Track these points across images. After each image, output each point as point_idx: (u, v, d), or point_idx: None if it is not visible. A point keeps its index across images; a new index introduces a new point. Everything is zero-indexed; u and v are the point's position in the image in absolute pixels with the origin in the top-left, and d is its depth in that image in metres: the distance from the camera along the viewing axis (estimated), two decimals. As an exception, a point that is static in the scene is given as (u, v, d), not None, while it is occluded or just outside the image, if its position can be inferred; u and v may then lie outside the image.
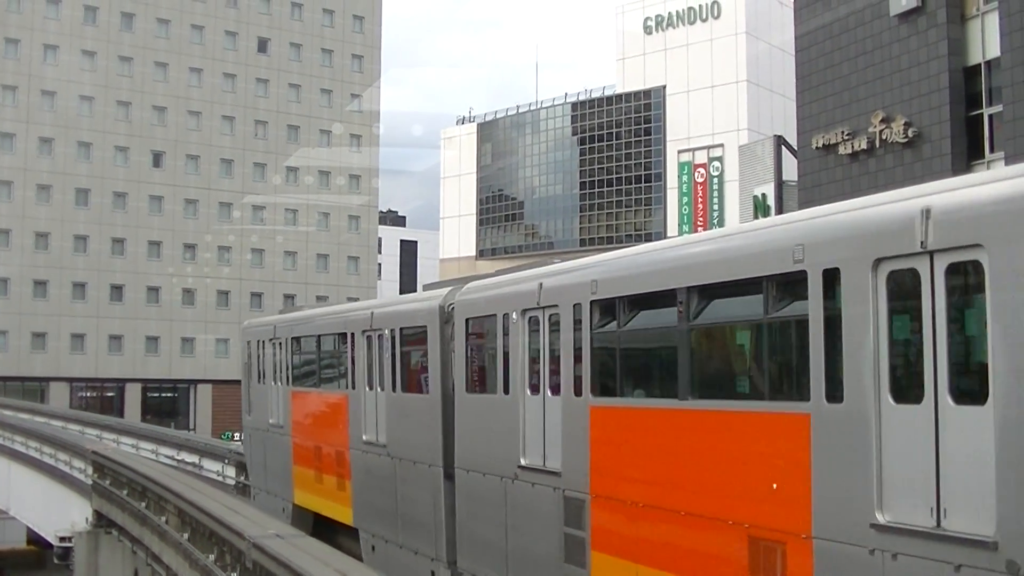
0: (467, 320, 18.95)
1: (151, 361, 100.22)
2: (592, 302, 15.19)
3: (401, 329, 21.50)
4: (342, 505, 24.81)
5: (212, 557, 22.01)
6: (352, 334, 23.86)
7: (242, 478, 38.54)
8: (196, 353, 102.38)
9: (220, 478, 41.08)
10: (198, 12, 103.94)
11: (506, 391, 17.53)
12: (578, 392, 15.50)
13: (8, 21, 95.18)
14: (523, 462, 16.93)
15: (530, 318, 17.00)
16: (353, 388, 23.82)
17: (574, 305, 15.61)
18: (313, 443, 26.86)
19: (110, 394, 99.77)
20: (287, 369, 28.36)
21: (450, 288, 20.37)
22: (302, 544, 18.53)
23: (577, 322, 15.54)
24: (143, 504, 29.43)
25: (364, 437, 23.16)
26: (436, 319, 19.91)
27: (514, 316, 17.28)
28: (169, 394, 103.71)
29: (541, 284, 16.65)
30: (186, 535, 24.52)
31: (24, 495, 49.64)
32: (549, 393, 16.46)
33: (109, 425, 60.02)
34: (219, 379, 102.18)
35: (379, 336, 22.32)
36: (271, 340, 29.43)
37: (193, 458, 45.31)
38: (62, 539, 40.51)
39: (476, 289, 19.42)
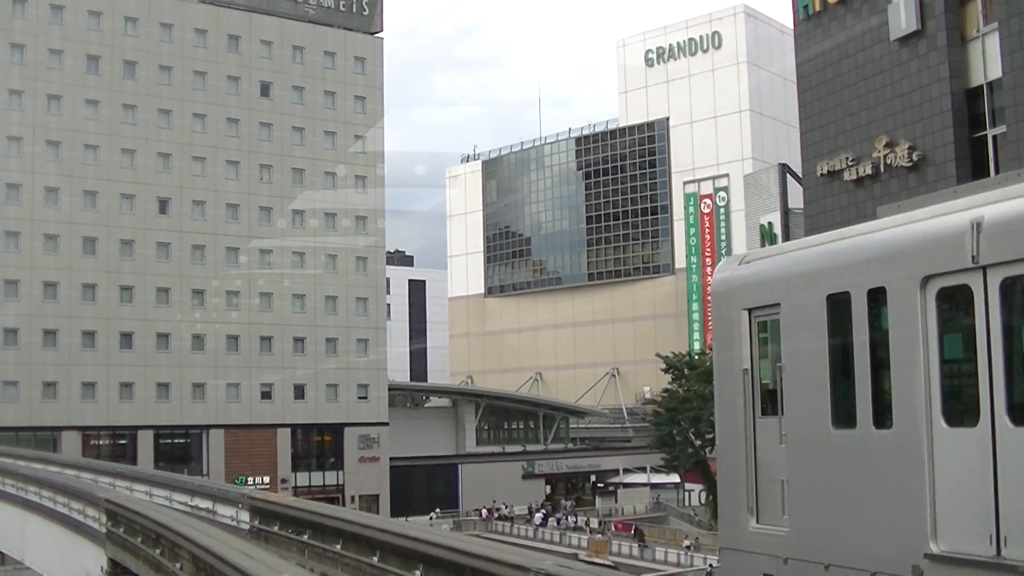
0: None
1: (162, 407, 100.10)
2: None
3: None
4: None
5: (227, 602, 21.92)
6: None
7: (256, 522, 38.36)
8: (207, 398, 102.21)
9: (234, 523, 40.97)
10: (199, 58, 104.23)
11: None
12: None
13: (11, 72, 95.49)
14: None
15: None
16: None
17: None
18: None
19: (122, 441, 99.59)
20: None
21: None
22: (317, 586, 18.46)
23: None
24: (157, 551, 29.34)
25: None
26: None
27: None
28: (181, 440, 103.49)
29: None
30: (200, 581, 24.43)
31: (39, 544, 49.54)
32: None
33: (122, 473, 59.89)
34: (231, 424, 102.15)
35: None
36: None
37: (207, 503, 45.16)
38: (77, 588, 40.44)
39: None
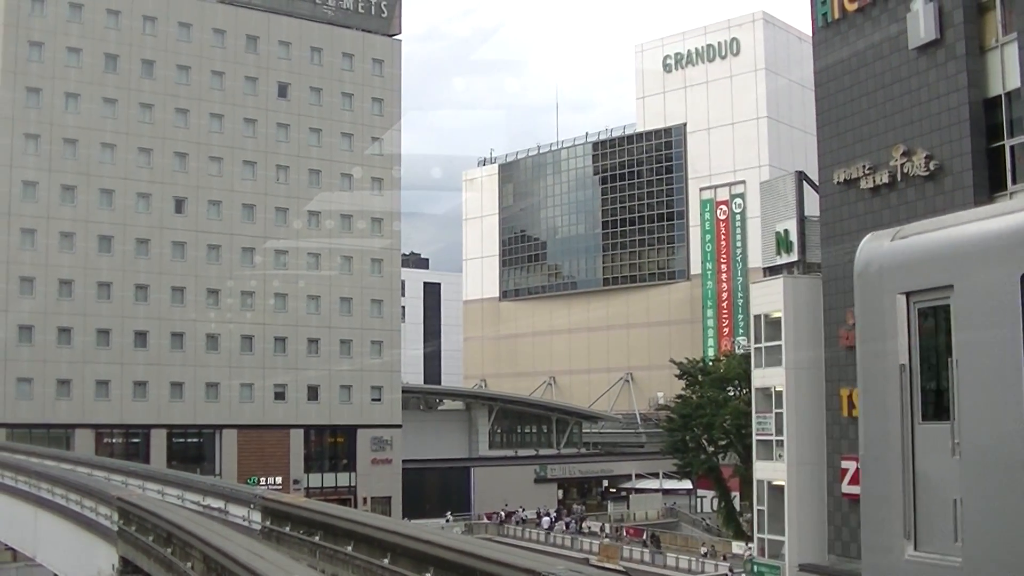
0: None
1: (176, 407, 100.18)
2: None
3: None
4: None
5: (237, 602, 21.91)
6: None
7: (268, 522, 38.35)
8: (220, 398, 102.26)
9: (246, 523, 40.96)
10: (218, 58, 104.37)
11: None
12: None
13: (30, 71, 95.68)
14: None
15: None
16: None
17: None
18: None
19: (135, 440, 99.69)
20: None
21: None
22: (327, 588, 18.43)
23: None
24: (169, 550, 29.34)
25: None
26: None
27: None
28: (194, 439, 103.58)
29: None
30: (211, 580, 24.43)
31: (51, 542, 49.60)
32: None
33: (134, 471, 59.90)
34: (244, 424, 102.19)
35: None
36: None
37: (219, 503, 45.13)
38: (88, 586, 40.45)
39: None
